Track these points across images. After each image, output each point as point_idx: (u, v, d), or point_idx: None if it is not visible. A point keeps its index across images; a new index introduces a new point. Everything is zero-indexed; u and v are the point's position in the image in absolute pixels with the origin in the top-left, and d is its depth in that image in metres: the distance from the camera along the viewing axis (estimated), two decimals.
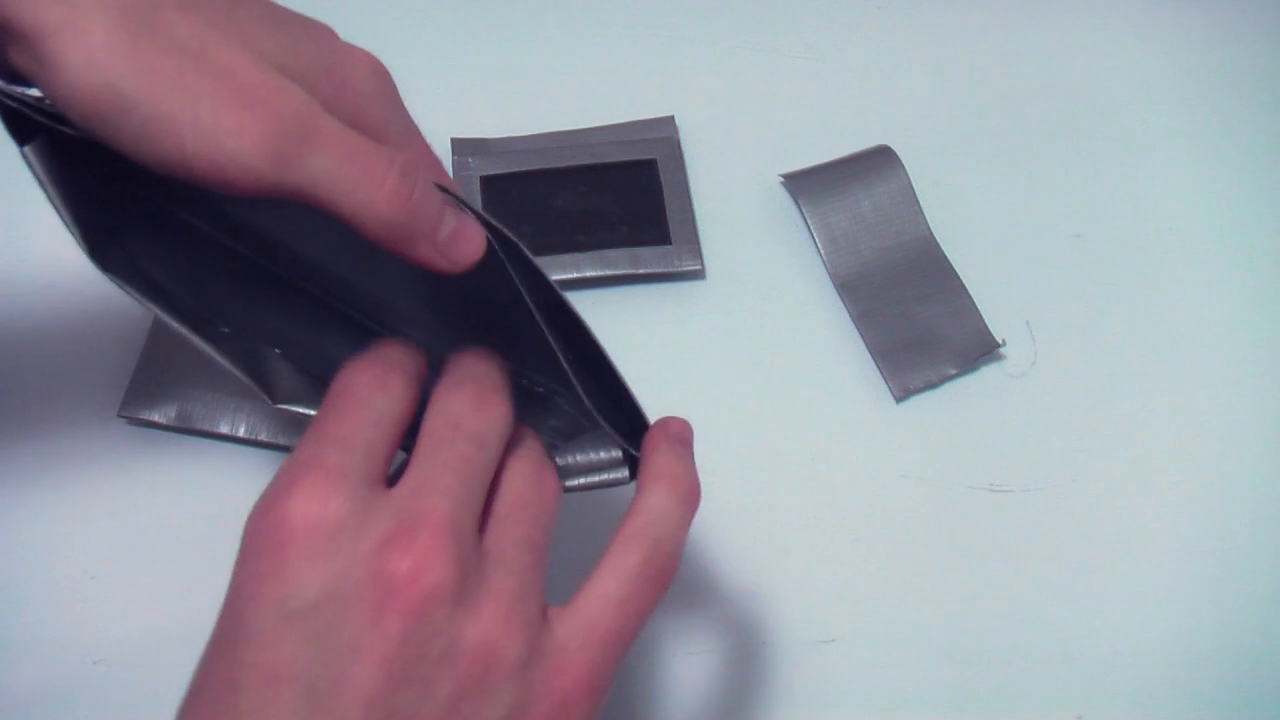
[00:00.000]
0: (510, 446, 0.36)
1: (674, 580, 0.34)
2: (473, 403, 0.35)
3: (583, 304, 0.55)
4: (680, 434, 0.38)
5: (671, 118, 0.60)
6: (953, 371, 0.54)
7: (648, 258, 0.56)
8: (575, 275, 0.55)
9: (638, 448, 0.38)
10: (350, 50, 0.39)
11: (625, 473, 0.39)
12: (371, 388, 0.35)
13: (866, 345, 0.55)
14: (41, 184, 0.35)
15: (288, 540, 0.31)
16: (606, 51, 0.63)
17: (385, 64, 0.64)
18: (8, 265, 0.56)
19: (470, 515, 0.33)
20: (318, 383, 0.40)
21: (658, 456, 0.37)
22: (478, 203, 0.57)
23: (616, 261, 0.55)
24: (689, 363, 0.54)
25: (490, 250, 0.36)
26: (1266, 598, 0.49)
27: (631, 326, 0.54)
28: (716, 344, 0.54)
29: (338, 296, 0.41)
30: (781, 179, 0.58)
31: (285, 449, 0.51)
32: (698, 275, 0.56)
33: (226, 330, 0.40)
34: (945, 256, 0.56)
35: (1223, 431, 0.53)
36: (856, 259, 0.56)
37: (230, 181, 0.32)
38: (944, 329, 0.54)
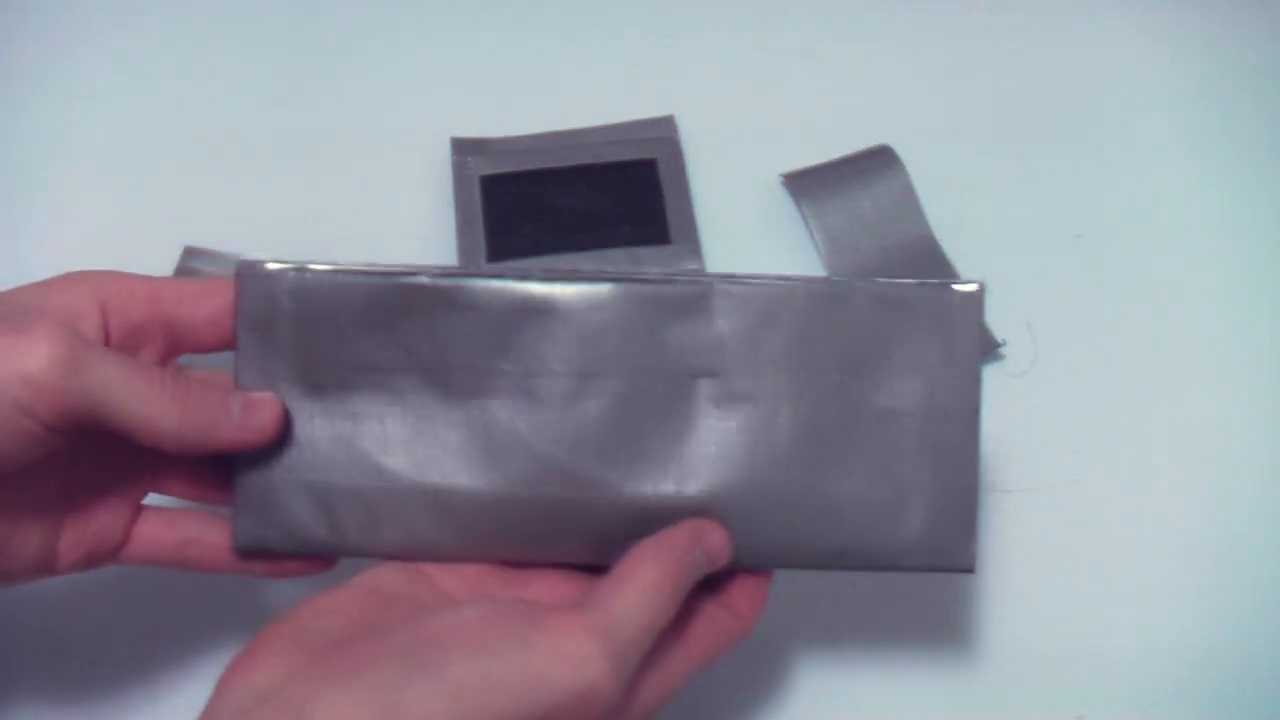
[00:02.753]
0: None
1: None
2: None
3: None
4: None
5: (671, 118, 0.60)
6: None
7: (648, 258, 0.56)
8: None
9: None
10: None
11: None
12: None
13: None
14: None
15: None
16: (606, 51, 0.63)
17: (386, 64, 0.65)
18: (7, 268, 0.56)
19: None
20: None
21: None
22: (478, 203, 0.57)
23: (616, 261, 0.55)
24: None
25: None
26: (1267, 598, 0.49)
27: None
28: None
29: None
30: (781, 179, 0.58)
31: None
32: None
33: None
34: (945, 256, 0.56)
35: (1223, 431, 0.53)
36: (856, 259, 0.56)
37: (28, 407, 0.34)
38: None
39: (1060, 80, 0.62)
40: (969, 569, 0.41)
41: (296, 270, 0.40)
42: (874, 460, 0.40)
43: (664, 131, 0.59)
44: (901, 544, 0.40)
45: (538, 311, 0.40)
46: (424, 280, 0.40)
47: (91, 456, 0.40)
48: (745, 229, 0.58)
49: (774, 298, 0.40)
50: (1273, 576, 0.50)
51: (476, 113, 0.60)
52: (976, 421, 0.41)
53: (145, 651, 0.48)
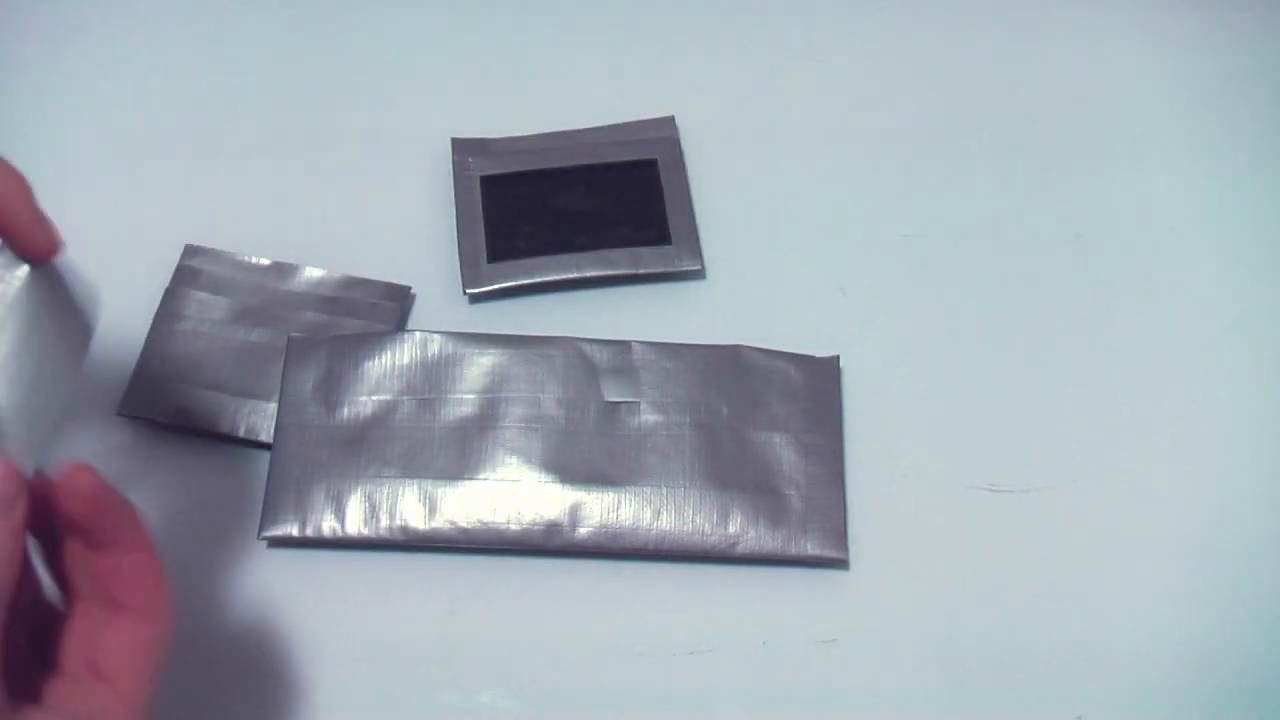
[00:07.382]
0: None
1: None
2: None
3: (583, 304, 0.55)
4: None
5: (671, 118, 0.60)
6: None
7: (648, 258, 0.56)
8: (575, 275, 0.55)
9: None
10: None
11: None
12: None
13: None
14: None
15: None
16: (606, 51, 0.63)
17: (386, 64, 0.65)
18: None
19: None
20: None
21: None
22: (478, 203, 0.57)
23: (616, 261, 0.55)
24: None
25: None
26: (1266, 598, 0.49)
27: (632, 326, 0.54)
28: (716, 343, 0.54)
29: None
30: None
31: None
32: (698, 275, 0.56)
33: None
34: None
35: (1222, 431, 0.53)
36: None
37: None
38: None
39: (1060, 80, 0.62)
40: (843, 564, 0.49)
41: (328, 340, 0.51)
42: (758, 476, 0.49)
43: (664, 131, 0.59)
44: (782, 540, 0.48)
45: (502, 363, 0.51)
46: (433, 351, 0.51)
47: None
48: (745, 229, 0.58)
49: (678, 355, 0.51)
50: (1272, 576, 0.50)
51: (476, 113, 0.60)
52: (840, 451, 0.50)
53: None
